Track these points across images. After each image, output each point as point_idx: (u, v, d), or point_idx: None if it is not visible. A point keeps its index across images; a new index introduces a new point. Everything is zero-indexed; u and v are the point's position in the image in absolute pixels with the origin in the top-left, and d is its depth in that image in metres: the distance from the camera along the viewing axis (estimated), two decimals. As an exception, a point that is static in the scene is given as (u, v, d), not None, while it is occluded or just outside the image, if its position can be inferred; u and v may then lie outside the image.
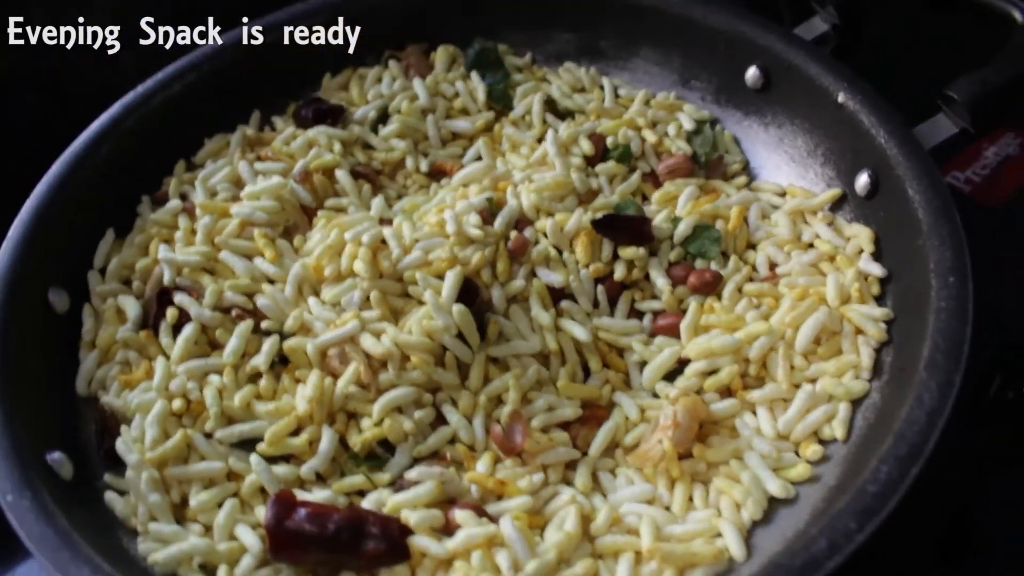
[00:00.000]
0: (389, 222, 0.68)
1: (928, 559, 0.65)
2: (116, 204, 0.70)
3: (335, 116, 0.75)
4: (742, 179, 0.73)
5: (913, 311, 0.58)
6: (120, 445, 0.57)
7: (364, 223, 0.66)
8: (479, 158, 0.75)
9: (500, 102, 0.78)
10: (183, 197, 0.71)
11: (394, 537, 0.52)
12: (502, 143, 0.76)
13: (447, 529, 0.54)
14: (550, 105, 0.77)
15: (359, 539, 0.52)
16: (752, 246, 0.69)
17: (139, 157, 0.72)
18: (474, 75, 0.79)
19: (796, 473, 0.56)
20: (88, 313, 0.65)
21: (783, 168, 0.73)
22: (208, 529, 0.55)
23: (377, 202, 0.70)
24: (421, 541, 0.52)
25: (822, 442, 0.58)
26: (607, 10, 0.79)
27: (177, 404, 0.59)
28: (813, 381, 0.60)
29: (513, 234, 0.66)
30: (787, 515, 0.55)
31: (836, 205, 0.69)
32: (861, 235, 0.65)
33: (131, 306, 0.64)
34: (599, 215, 0.67)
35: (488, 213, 0.67)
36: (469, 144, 0.76)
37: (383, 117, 0.77)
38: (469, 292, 0.62)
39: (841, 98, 0.67)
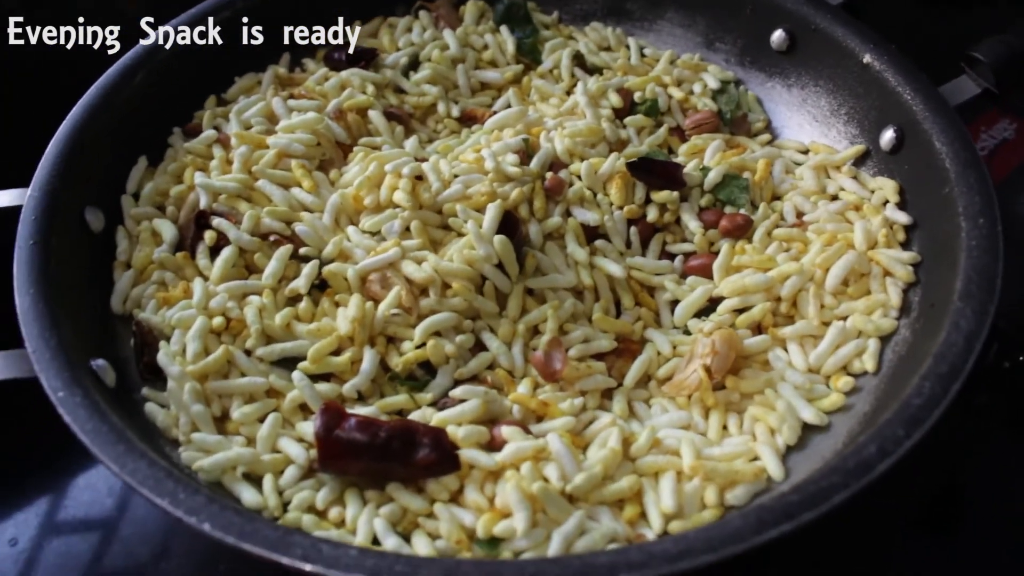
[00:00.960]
0: (424, 161, 0.68)
1: (917, 526, 0.66)
2: (148, 133, 0.69)
3: (368, 59, 0.76)
4: (765, 136, 0.75)
5: (941, 254, 0.60)
6: (162, 357, 0.56)
7: (403, 157, 0.66)
8: (508, 107, 0.75)
9: (529, 56, 0.80)
10: (216, 130, 0.70)
11: (446, 447, 0.52)
12: (530, 94, 0.77)
13: (491, 446, 0.54)
14: (578, 60, 0.79)
15: (411, 448, 0.52)
16: (778, 197, 0.70)
17: (170, 90, 0.71)
18: (503, 29, 0.80)
19: (829, 403, 0.58)
20: (122, 235, 0.64)
21: (805, 127, 0.75)
22: (250, 441, 0.55)
23: (411, 142, 0.71)
24: (470, 454, 0.53)
25: (852, 375, 0.59)
26: (635, -30, 0.81)
27: (217, 321, 0.58)
28: (843, 319, 0.61)
29: (549, 174, 0.67)
30: (822, 442, 0.56)
31: (859, 161, 0.71)
32: (886, 187, 0.67)
33: (167, 229, 0.64)
34: (634, 159, 0.68)
35: (524, 154, 0.68)
36: (498, 95, 0.77)
37: (414, 64, 0.77)
38: (509, 225, 0.63)
39: (867, 59, 0.69)
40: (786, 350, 0.61)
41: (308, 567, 0.43)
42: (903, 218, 0.65)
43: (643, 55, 0.81)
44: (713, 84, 0.77)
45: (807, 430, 0.57)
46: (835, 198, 0.69)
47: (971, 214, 0.59)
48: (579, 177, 0.67)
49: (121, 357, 0.59)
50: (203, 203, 0.64)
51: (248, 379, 0.57)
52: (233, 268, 0.62)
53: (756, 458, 0.55)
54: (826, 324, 0.61)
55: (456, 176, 0.65)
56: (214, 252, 0.62)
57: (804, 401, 0.57)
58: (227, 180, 0.65)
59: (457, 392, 0.57)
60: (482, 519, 0.50)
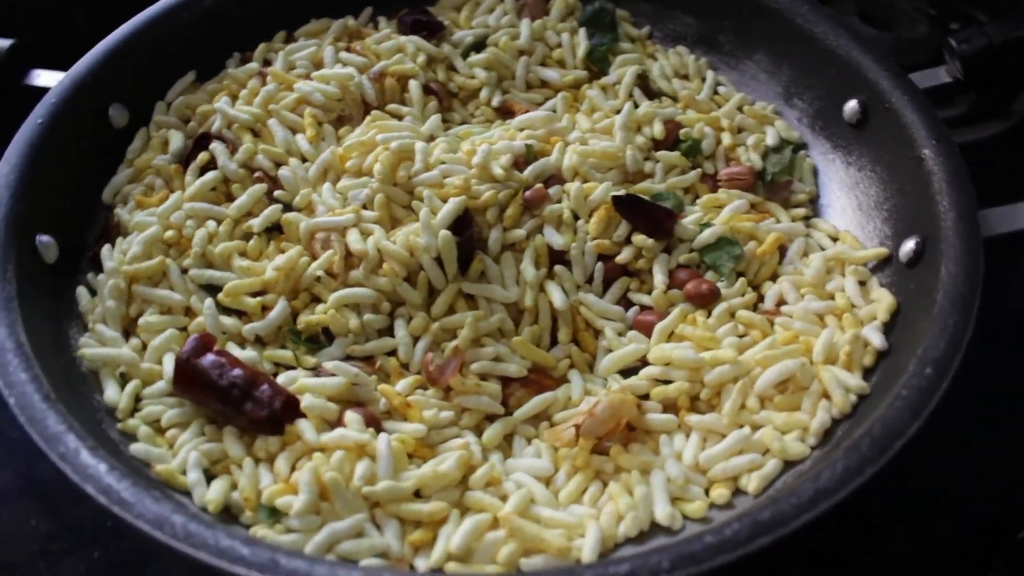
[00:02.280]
0: (432, 140, 0.68)
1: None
2: (209, 52, 0.74)
3: (432, 30, 0.76)
4: (801, 211, 0.68)
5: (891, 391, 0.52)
6: (104, 250, 0.62)
7: (403, 132, 0.67)
8: (554, 111, 0.73)
9: (597, 64, 0.76)
10: (267, 63, 0.74)
11: (274, 409, 0.53)
12: (583, 103, 0.74)
13: (336, 426, 0.55)
14: (642, 81, 0.74)
15: (246, 399, 0.53)
16: (776, 278, 0.64)
17: (242, 19, 0.75)
18: (582, 31, 0.77)
19: (693, 508, 0.52)
20: (140, 135, 0.70)
21: (848, 213, 0.67)
22: (145, 348, 0.59)
23: (433, 119, 0.71)
24: (301, 425, 0.53)
25: (732, 491, 0.53)
26: (734, 3, 0.75)
27: (169, 234, 0.63)
28: (757, 428, 0.55)
29: (537, 186, 0.64)
30: (662, 542, 0.51)
31: (879, 265, 0.62)
32: (883, 302, 0.59)
33: (176, 140, 0.69)
34: (622, 193, 0.64)
35: (524, 160, 0.66)
36: (552, 95, 0.75)
37: (479, 46, 0.77)
38: (463, 223, 0.62)
39: (924, 153, 0.60)
40: (687, 437, 0.56)
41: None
42: (878, 342, 0.56)
43: (716, 92, 0.75)
44: (771, 141, 0.70)
45: (655, 527, 0.52)
46: (832, 297, 0.61)
47: (927, 358, 0.50)
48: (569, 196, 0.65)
49: (87, 241, 0.65)
50: (215, 126, 0.68)
51: (169, 292, 0.61)
52: (212, 192, 0.65)
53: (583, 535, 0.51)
54: (740, 426, 0.55)
55: (442, 163, 0.64)
56: (204, 173, 0.66)
57: (666, 498, 0.52)
58: (243, 111, 0.69)
59: (329, 365, 0.57)
60: (271, 488, 0.51)
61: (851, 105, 0.67)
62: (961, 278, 0.54)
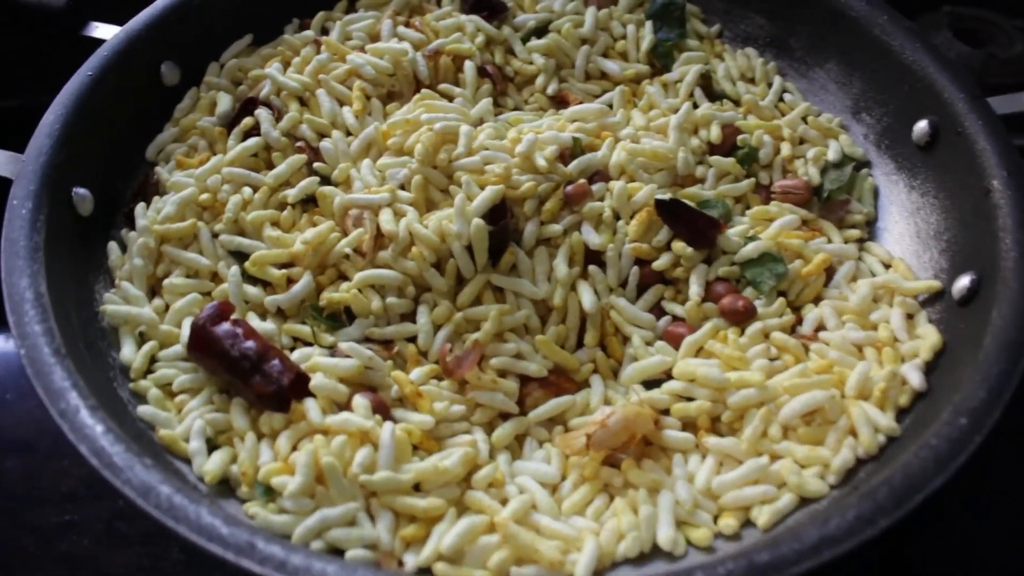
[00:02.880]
0: (480, 124, 0.66)
1: None
2: (269, 16, 0.73)
3: (493, 11, 0.74)
4: (855, 232, 0.64)
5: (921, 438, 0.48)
6: (139, 208, 0.62)
7: (450, 114, 0.65)
8: (610, 105, 0.70)
9: (661, 60, 0.73)
10: (325, 31, 0.73)
11: (281, 385, 0.52)
12: (641, 99, 0.71)
13: (344, 409, 0.54)
14: (705, 81, 0.71)
15: (254, 372, 0.53)
16: (819, 301, 0.60)
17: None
18: (649, 24, 0.74)
19: (698, 535, 0.50)
20: (190, 95, 0.70)
21: (905, 240, 0.63)
22: (167, 310, 0.59)
23: (484, 103, 0.69)
24: (308, 404, 0.52)
25: (741, 522, 0.51)
26: (810, 8, 0.71)
27: (204, 197, 0.62)
28: (776, 458, 0.52)
29: (580, 181, 0.62)
30: (660, 567, 0.49)
31: (931, 299, 0.58)
32: (928, 339, 0.55)
33: (224, 102, 0.68)
34: (667, 197, 0.61)
35: (570, 153, 0.64)
36: (611, 88, 0.72)
37: (540, 31, 0.74)
38: (498, 213, 0.60)
39: (992, 185, 0.56)
40: (703, 459, 0.53)
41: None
42: (916, 382, 0.53)
43: (781, 99, 0.71)
44: (832, 156, 0.67)
45: (656, 549, 0.50)
46: (875, 328, 0.57)
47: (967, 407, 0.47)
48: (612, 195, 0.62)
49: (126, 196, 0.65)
50: (264, 92, 0.68)
51: (198, 256, 0.60)
52: (252, 158, 0.65)
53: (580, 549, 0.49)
54: (759, 454, 0.52)
55: (485, 149, 0.62)
56: (247, 138, 0.66)
57: (671, 521, 0.50)
58: (292, 78, 0.68)
59: (345, 346, 0.56)
60: (269, 465, 0.50)
61: (921, 126, 0.63)
62: (1013, 324, 0.50)
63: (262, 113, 0.66)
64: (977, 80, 0.80)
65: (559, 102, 0.72)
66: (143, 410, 0.53)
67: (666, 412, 0.55)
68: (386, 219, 0.60)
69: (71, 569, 0.60)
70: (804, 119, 0.69)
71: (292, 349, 0.58)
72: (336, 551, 0.48)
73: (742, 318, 0.58)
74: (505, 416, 0.57)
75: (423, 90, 0.69)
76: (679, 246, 0.61)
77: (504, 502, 0.51)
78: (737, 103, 0.71)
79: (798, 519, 0.49)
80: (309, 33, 0.72)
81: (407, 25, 0.73)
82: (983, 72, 0.85)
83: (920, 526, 0.61)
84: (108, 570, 0.60)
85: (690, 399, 0.55)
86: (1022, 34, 0.89)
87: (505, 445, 0.55)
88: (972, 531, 0.62)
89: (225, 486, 0.51)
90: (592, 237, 0.61)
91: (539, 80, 0.72)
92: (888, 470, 0.45)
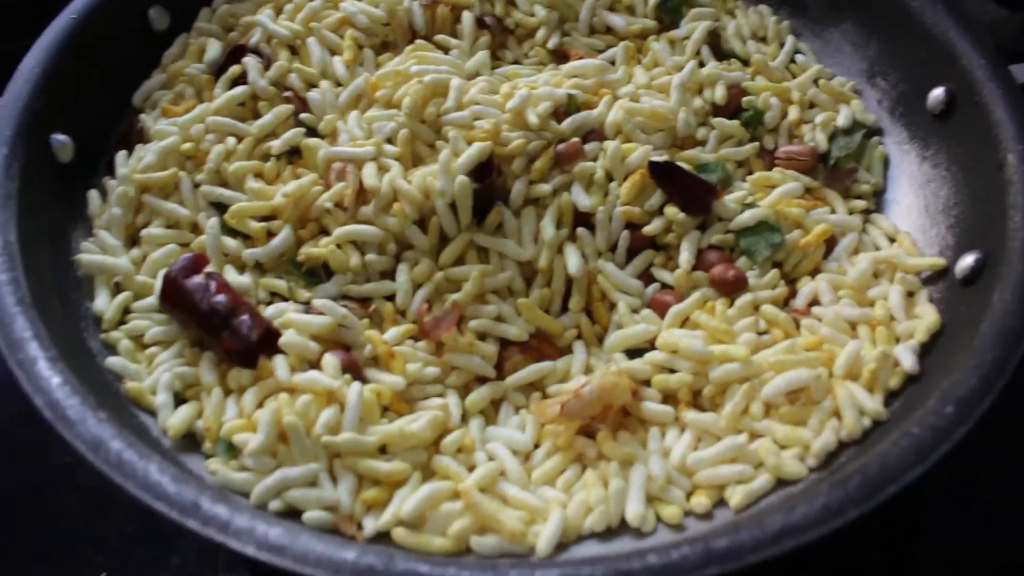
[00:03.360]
0: (473, 78, 0.64)
1: None
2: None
3: (496, -40, 0.71)
4: (861, 203, 0.61)
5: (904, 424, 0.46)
6: (120, 156, 0.60)
7: (442, 66, 0.62)
8: (613, 62, 0.67)
9: (669, 16, 0.70)
10: (323, -22, 0.71)
11: (249, 341, 0.51)
12: (646, 56, 0.68)
13: (315, 366, 0.52)
14: (714, 39, 0.68)
15: (223, 327, 0.51)
16: (817, 274, 0.57)
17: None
18: (658, -22, 0.71)
19: (668, 512, 0.48)
20: (179, 41, 0.68)
21: (913, 214, 0.60)
22: (144, 260, 0.58)
23: (480, 56, 0.66)
24: (277, 361, 0.51)
25: (722, 500, 0.49)
26: (829, -36, 0.67)
27: (186, 146, 0.60)
28: (755, 437, 0.50)
29: (573, 140, 0.59)
30: (626, 543, 0.47)
31: (933, 278, 0.55)
32: (925, 319, 0.52)
33: (213, 49, 0.66)
34: (661, 159, 0.58)
35: (565, 110, 0.61)
36: (615, 44, 0.69)
37: (547, -19, 0.71)
38: (485, 170, 0.58)
39: (1007, 159, 0.53)
40: (681, 434, 0.51)
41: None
42: (908, 363, 0.50)
43: (793, 60, 0.68)
44: (842, 121, 0.63)
45: (624, 525, 0.48)
46: (872, 305, 0.55)
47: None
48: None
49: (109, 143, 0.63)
50: (253, 40, 0.66)
51: (177, 207, 0.59)
52: (239, 107, 0.63)
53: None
54: (737, 432, 0.50)
55: (476, 104, 0.60)
56: (234, 86, 0.64)
57: (642, 496, 0.48)
58: (283, 26, 0.66)
59: (318, 303, 0.54)
60: (232, 422, 0.49)
61: (937, 93, 0.60)
62: (1013, 310, 0.47)
63: (250, 61, 0.64)
64: (1006, 45, 0.77)
65: (560, 56, 0.69)
66: (112, 361, 0.52)
67: (647, 383, 0.53)
68: (369, 174, 0.58)
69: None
70: (816, 82, 0.66)
71: (269, 303, 0.56)
72: (295, 512, 0.47)
73: (732, 289, 0.56)
74: (482, 380, 0.55)
75: (417, 41, 0.66)
76: (672, 211, 0.58)
77: (472, 469, 0.50)
78: (746, 63, 0.67)
79: (772, 501, 0.47)
80: (304, -22, 0.70)
81: (406, -27, 0.70)
82: (1019, 37, 0.80)
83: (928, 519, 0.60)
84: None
85: (672, 371, 0.53)
86: (1063, -2, 0.84)
87: (479, 410, 0.54)
88: (979, 524, 0.60)
89: (191, 441, 0.51)
90: (582, 199, 0.58)
91: (540, 33, 0.69)
92: (865, 457, 0.43)
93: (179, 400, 0.52)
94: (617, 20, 0.70)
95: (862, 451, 0.48)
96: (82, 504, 0.61)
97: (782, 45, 0.69)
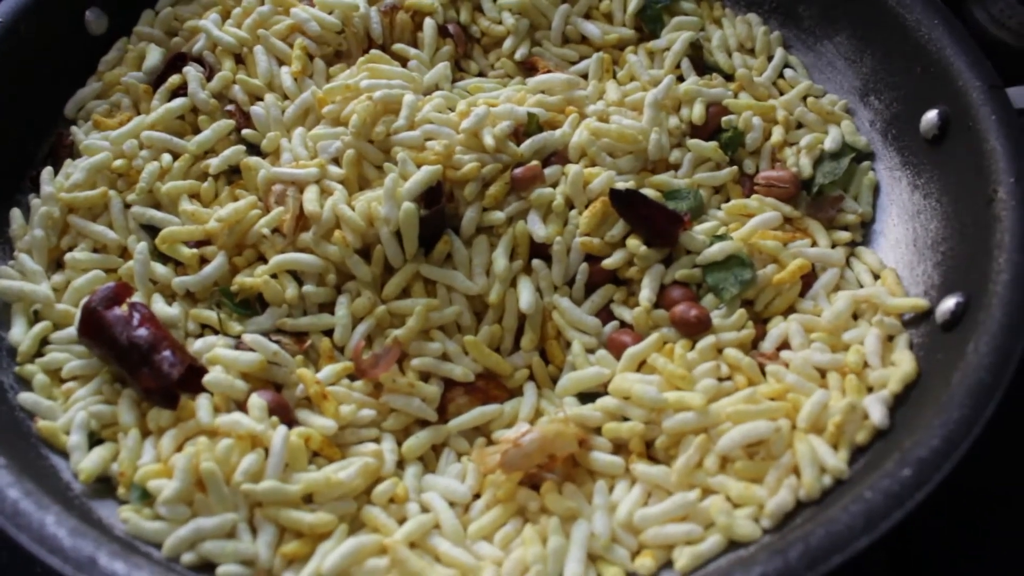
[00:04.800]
0: (432, 92, 0.65)
1: None
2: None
3: (462, -37, 0.73)
4: (846, 235, 0.62)
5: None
6: (45, 173, 0.63)
7: (395, 81, 0.64)
8: (585, 75, 0.69)
9: (649, 24, 0.72)
10: (275, -18, 0.73)
11: (169, 380, 0.53)
12: (622, 68, 0.70)
13: (242, 408, 0.54)
14: (696, 51, 0.69)
15: (143, 364, 0.53)
16: (791, 311, 0.59)
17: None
18: (638, -16, 0.72)
19: (610, 573, 0.50)
20: (118, 46, 0.70)
21: (901, 248, 0.62)
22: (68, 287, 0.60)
23: (440, 68, 0.68)
24: (200, 401, 0.53)
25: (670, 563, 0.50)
26: (822, -30, 0.68)
27: (118, 163, 0.63)
28: (709, 493, 0.51)
29: (532, 163, 0.61)
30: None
31: (916, 320, 0.56)
32: (901, 367, 0.53)
33: (153, 56, 0.69)
34: (623, 187, 0.60)
35: (524, 130, 0.63)
36: (589, 54, 0.70)
37: (517, -14, 0.73)
38: (434, 196, 0.59)
39: (997, 192, 0.54)
40: (630, 487, 0.53)
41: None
42: (877, 417, 0.52)
43: (782, 75, 0.69)
44: (830, 144, 0.65)
45: (561, 581, 0.50)
46: (846, 349, 0.56)
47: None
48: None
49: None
50: (197, 46, 0.68)
51: (105, 229, 0.61)
52: (178, 121, 0.65)
53: (480, 578, 0.50)
54: (690, 487, 0.52)
55: (429, 123, 0.62)
56: (173, 98, 0.66)
57: (582, 556, 0.50)
58: (229, 32, 0.68)
59: (248, 339, 0.56)
60: (147, 467, 0.51)
61: (930, 116, 0.61)
62: (987, 364, 0.48)
63: (190, 71, 0.66)
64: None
65: (528, 69, 0.71)
66: (24, 397, 0.55)
67: (599, 431, 0.55)
68: (310, 198, 0.60)
69: None
70: (804, 99, 0.67)
71: (199, 336, 0.58)
72: (209, 566, 0.49)
73: (694, 330, 0.57)
74: (423, 424, 0.57)
75: (372, 51, 0.68)
76: (634, 243, 0.60)
77: (403, 521, 0.52)
78: (730, 77, 0.69)
79: (720, 565, 0.49)
80: (252, -18, 0.72)
81: (366, -23, 0.72)
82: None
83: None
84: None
85: (625, 418, 0.55)
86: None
87: (417, 456, 0.56)
88: (981, 532, 0.63)
89: (105, 485, 0.53)
90: (538, 228, 0.60)
91: (508, 43, 0.71)
92: (809, 525, 0.44)
93: (94, 441, 0.54)
94: (592, 29, 0.71)
95: (821, 512, 0.49)
96: None
97: (770, 58, 0.70)
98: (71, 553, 0.43)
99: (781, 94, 0.68)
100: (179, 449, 0.53)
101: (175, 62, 0.67)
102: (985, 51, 0.80)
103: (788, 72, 0.70)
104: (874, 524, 0.43)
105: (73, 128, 0.66)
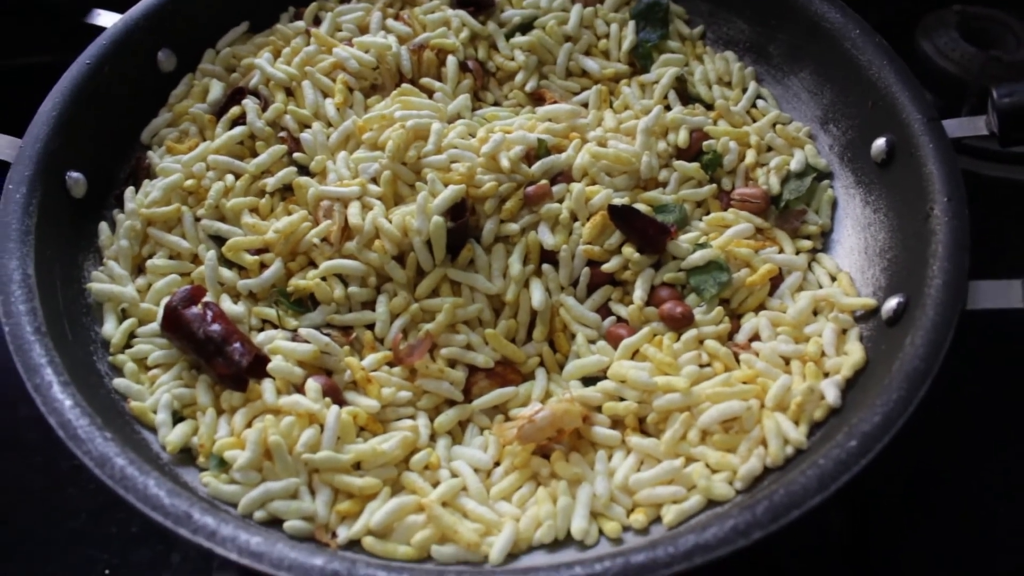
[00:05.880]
0: (456, 120, 0.71)
1: None
2: (266, 3, 0.79)
3: (480, 7, 0.79)
4: (808, 244, 0.68)
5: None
6: (128, 192, 0.69)
7: (424, 111, 0.70)
8: (586, 105, 0.75)
9: (641, 60, 0.78)
10: (318, 21, 0.79)
11: (240, 367, 0.59)
12: (618, 98, 0.75)
13: (301, 389, 0.60)
14: (681, 84, 0.75)
15: (217, 354, 0.59)
16: (761, 308, 0.65)
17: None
18: (631, 24, 0.78)
19: (609, 527, 0.56)
20: (185, 81, 0.76)
21: (855, 255, 0.67)
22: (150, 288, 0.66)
23: (462, 99, 0.74)
24: (265, 384, 0.59)
25: (659, 519, 0.56)
26: (791, 16, 0.74)
27: (190, 183, 0.69)
28: (691, 461, 0.57)
29: (541, 183, 0.67)
30: (570, 554, 0.55)
31: (866, 317, 0.62)
32: (852, 357, 0.60)
33: (216, 90, 0.74)
34: (619, 202, 0.66)
35: (535, 154, 0.68)
36: (590, 86, 0.76)
37: (525, 27, 0.79)
38: (459, 211, 0.65)
39: (932, 209, 0.60)
40: (626, 456, 0.59)
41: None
42: (831, 397, 0.58)
43: (754, 105, 0.75)
44: (795, 166, 0.71)
45: (570, 539, 0.56)
46: (807, 341, 0.62)
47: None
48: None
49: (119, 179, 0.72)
50: (253, 82, 0.74)
51: (178, 239, 0.67)
52: (239, 146, 0.71)
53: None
54: (675, 456, 0.58)
55: (453, 148, 0.68)
56: (234, 126, 0.72)
57: (586, 513, 0.56)
58: (280, 69, 0.73)
59: (303, 332, 0.62)
60: (224, 439, 0.57)
61: (879, 143, 0.67)
62: (921, 354, 0.54)
63: (248, 103, 0.72)
64: (972, 81, 0.83)
65: (537, 99, 0.77)
66: (118, 382, 0.61)
67: (599, 409, 0.61)
68: (353, 212, 0.66)
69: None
70: (774, 126, 0.73)
71: (261, 330, 0.64)
72: (278, 521, 0.55)
73: (679, 324, 0.63)
74: (451, 403, 0.63)
75: (403, 85, 0.74)
76: (628, 250, 0.65)
77: (436, 484, 0.58)
78: (710, 107, 0.75)
79: (700, 520, 0.55)
80: (301, 24, 0.78)
81: (396, 18, 0.78)
82: (983, 75, 0.86)
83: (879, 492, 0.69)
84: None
85: (621, 399, 0.61)
86: (1032, 38, 0.90)
87: (447, 430, 0.62)
88: (966, 530, 0.68)
89: (187, 455, 0.59)
90: (547, 237, 0.66)
91: (519, 76, 0.77)
92: (771, 486, 0.50)
93: (177, 418, 0.60)
94: (592, 64, 0.77)
95: (783, 476, 0.55)
96: (87, 504, 0.70)
97: (745, 90, 0.76)
98: (171, 510, 0.49)
99: (754, 121, 0.74)
100: (249, 425, 0.59)
101: (235, 95, 0.73)
102: (932, 79, 0.87)
103: (760, 103, 0.75)
104: (826, 485, 0.49)
105: (149, 152, 0.72)
